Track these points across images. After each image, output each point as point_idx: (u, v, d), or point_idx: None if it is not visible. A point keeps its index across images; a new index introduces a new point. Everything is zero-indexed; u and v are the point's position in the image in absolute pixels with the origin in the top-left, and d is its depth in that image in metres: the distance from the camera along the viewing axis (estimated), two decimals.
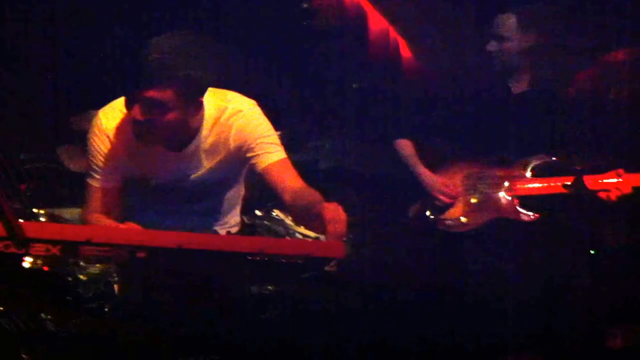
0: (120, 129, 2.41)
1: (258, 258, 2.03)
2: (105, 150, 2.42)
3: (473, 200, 3.09)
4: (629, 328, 2.59)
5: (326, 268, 2.08)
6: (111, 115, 2.43)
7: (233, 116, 2.46)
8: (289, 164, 2.49)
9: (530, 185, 3.03)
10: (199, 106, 2.39)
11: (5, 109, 3.30)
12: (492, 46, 3.14)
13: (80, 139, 3.07)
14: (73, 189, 2.82)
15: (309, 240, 2.15)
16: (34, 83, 3.48)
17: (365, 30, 4.22)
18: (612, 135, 3.07)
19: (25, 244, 1.83)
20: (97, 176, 2.45)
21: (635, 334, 2.57)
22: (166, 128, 2.32)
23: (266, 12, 3.74)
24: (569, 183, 2.83)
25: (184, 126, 2.37)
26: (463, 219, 3.08)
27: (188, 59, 2.31)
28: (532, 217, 3.00)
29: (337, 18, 4.14)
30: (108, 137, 2.42)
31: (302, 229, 2.69)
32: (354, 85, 3.73)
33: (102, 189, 2.45)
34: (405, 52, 4.20)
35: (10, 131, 3.17)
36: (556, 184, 2.92)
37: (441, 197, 3.11)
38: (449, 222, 3.09)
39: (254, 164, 2.48)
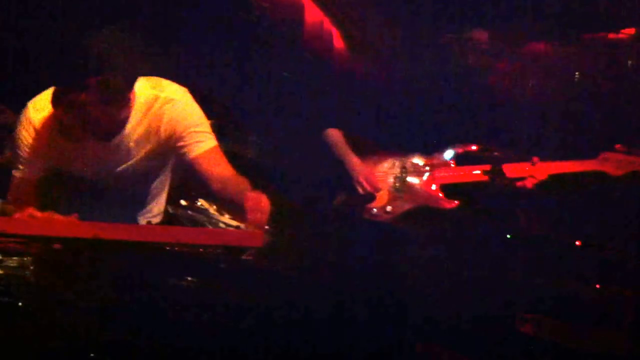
0: (47, 120, 2.40)
1: (176, 248, 2.04)
2: (31, 141, 2.40)
3: (397, 189, 3.15)
4: (539, 318, 2.66)
5: (244, 257, 2.10)
6: (39, 107, 2.41)
7: (165, 105, 2.44)
8: (219, 152, 2.48)
9: (453, 174, 3.10)
10: (127, 99, 2.37)
11: None
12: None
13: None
14: None
15: (228, 229, 2.16)
16: None
17: (300, 20, 4.24)
18: (528, 125, 3.16)
19: None
20: (21, 167, 2.43)
21: (543, 326, 2.65)
22: (92, 124, 2.31)
23: (196, 2, 3.72)
24: (488, 170, 2.92)
25: (111, 119, 2.35)
26: (388, 208, 3.13)
27: (112, 56, 2.30)
28: (454, 204, 3.07)
29: (272, 8, 4.15)
30: (35, 128, 2.40)
31: (225, 219, 2.71)
32: (284, 74, 3.75)
33: (25, 180, 2.43)
34: (339, 43, 4.24)
35: None
36: (477, 172, 3.01)
37: (368, 184, 3.16)
38: (375, 210, 3.15)
39: (183, 154, 2.46)
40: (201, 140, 2.46)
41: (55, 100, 2.29)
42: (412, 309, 2.48)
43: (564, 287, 2.82)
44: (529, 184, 2.92)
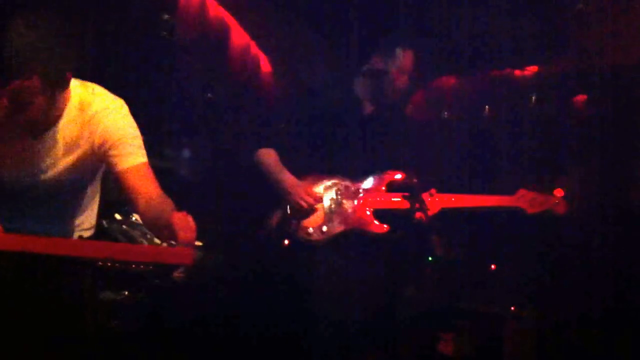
0: None
1: (108, 264, 2.03)
2: None
3: (332, 210, 3.21)
4: (452, 336, 2.77)
5: (175, 274, 2.11)
6: None
7: (99, 112, 2.40)
8: (148, 169, 2.45)
9: (382, 199, 3.20)
10: (62, 93, 2.32)
11: None
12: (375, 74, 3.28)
13: None
14: None
15: (159, 246, 2.16)
16: None
17: (226, 44, 4.28)
18: (445, 156, 3.31)
19: None
20: None
21: (457, 343, 2.75)
22: (24, 114, 2.24)
23: (125, 20, 3.71)
24: (408, 197, 3.04)
25: (43, 114, 2.29)
26: (324, 228, 3.19)
27: (49, 48, 2.21)
28: (384, 229, 3.17)
29: (199, 31, 4.17)
30: None
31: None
32: (209, 95, 3.77)
33: None
34: (266, 67, 4.30)
35: None
36: (397, 200, 3.13)
37: (304, 203, 3.19)
38: (310, 230, 3.19)
39: (112, 164, 2.42)
40: (132, 152, 2.42)
41: None
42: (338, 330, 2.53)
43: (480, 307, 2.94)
44: (430, 213, 3.05)
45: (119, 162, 2.41)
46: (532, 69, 3.85)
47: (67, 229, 2.54)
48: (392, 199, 3.18)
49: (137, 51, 3.75)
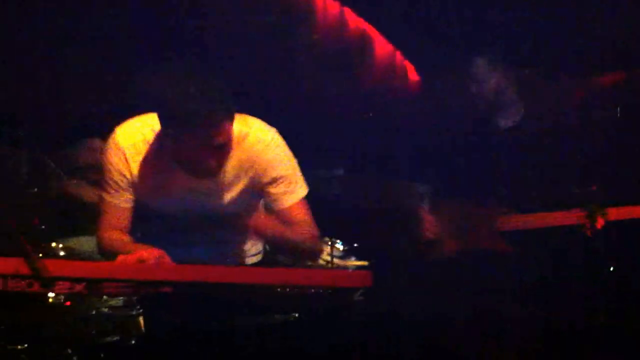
0: (137, 148, 2.35)
1: (287, 290, 1.99)
2: (120, 167, 2.35)
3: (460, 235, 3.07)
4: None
5: (353, 298, 2.04)
6: (129, 134, 2.37)
7: (256, 146, 2.38)
8: (305, 202, 2.44)
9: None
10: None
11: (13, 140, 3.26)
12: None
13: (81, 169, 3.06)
14: (87, 218, 2.77)
15: (337, 270, 2.11)
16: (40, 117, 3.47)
17: (370, 55, 4.23)
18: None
19: (50, 283, 1.78)
20: (111, 191, 2.38)
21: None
22: (203, 161, 2.27)
23: (269, 46, 3.76)
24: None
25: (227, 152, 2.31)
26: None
27: (216, 91, 2.21)
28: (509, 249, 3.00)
29: (339, 42, 4.15)
30: (124, 154, 2.35)
31: (324, 256, 2.66)
32: (370, 115, 3.71)
33: (114, 205, 2.38)
34: (414, 76, 4.21)
35: (20, 164, 3.14)
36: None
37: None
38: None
39: (272, 202, 2.42)
40: (292, 191, 2.41)
41: (166, 135, 2.25)
42: None
43: None
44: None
45: (279, 201, 2.41)
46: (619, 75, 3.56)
47: (235, 256, 2.54)
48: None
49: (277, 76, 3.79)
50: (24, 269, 1.79)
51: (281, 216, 2.41)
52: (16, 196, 2.84)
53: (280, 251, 2.59)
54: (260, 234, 2.51)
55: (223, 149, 2.26)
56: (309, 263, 2.52)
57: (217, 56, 3.71)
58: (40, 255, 1.97)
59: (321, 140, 3.63)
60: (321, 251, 2.66)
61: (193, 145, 2.22)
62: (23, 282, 1.81)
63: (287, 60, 3.91)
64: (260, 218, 2.22)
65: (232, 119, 2.23)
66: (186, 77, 2.17)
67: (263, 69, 3.82)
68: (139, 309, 1.93)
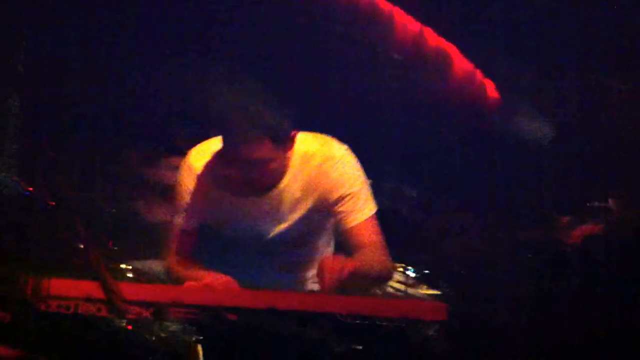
0: (206, 169, 2.36)
1: (357, 320, 1.92)
2: (191, 188, 2.36)
3: None
4: None
5: (428, 332, 1.95)
6: (200, 154, 2.38)
7: (325, 164, 2.32)
8: (375, 220, 2.36)
9: None
10: (288, 153, 2.30)
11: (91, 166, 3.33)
12: None
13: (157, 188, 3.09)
14: (154, 240, 2.78)
15: (411, 300, 2.02)
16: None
17: (448, 71, 4.16)
18: None
19: (125, 309, 1.77)
20: (181, 214, 2.38)
21: None
22: (259, 178, 2.26)
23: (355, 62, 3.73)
24: None
25: (272, 174, 2.29)
26: None
27: (272, 110, 2.23)
28: None
29: (418, 59, 4.10)
30: (196, 175, 2.36)
31: (393, 283, 2.57)
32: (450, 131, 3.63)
33: (183, 230, 2.38)
34: (493, 93, 4.10)
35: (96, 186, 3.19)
36: None
37: None
38: None
39: (341, 220, 2.34)
40: (361, 208, 2.33)
41: (226, 153, 2.25)
42: None
43: None
44: None
45: (348, 219, 2.33)
46: None
47: (299, 282, 2.47)
48: None
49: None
50: (97, 293, 1.79)
51: (348, 237, 2.34)
52: (96, 217, 2.87)
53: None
54: (330, 278, 2.27)
55: (265, 166, 2.22)
56: (377, 291, 2.42)
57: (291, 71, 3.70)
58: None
59: (400, 160, 3.57)
60: (391, 276, 2.54)
61: (238, 162, 2.21)
62: (93, 307, 1.81)
63: (366, 78, 3.87)
64: (328, 260, 2.15)
65: (273, 137, 2.20)
66: (241, 95, 2.19)
67: (342, 87, 3.79)
68: (199, 337, 1.89)
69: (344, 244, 2.39)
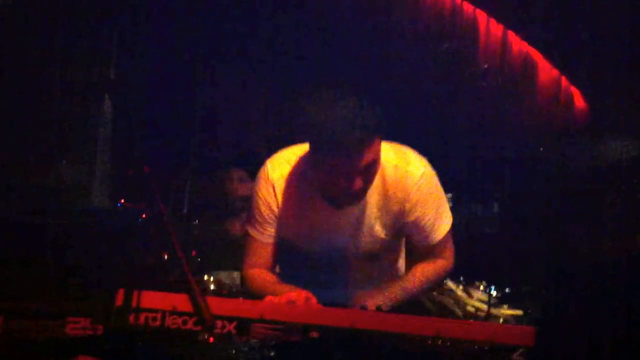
0: (284, 180, 2.32)
1: (438, 342, 1.88)
2: (269, 200, 2.33)
3: None
4: None
5: (513, 357, 1.89)
6: (277, 165, 2.34)
7: (406, 179, 2.27)
8: (449, 234, 2.36)
9: None
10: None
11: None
12: None
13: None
14: (236, 252, 2.79)
15: (496, 324, 1.96)
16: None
17: (533, 78, 4.06)
18: None
19: (214, 322, 1.78)
20: (258, 227, 2.36)
21: None
22: (365, 182, 2.18)
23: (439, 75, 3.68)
24: None
25: (372, 175, 2.22)
26: None
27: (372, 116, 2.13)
28: None
29: (502, 64, 4.03)
30: (273, 187, 2.32)
31: (474, 302, 2.51)
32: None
33: (259, 242, 2.36)
34: (580, 102, 3.97)
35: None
36: None
37: None
38: None
39: (417, 241, 2.35)
40: (437, 228, 2.33)
41: (315, 162, 2.19)
42: None
43: None
44: None
45: (428, 238, 2.34)
46: None
47: (369, 296, 2.35)
48: None
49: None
50: (184, 306, 1.80)
51: (424, 251, 2.36)
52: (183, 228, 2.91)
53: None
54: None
55: (370, 169, 2.16)
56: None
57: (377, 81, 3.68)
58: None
59: (480, 175, 3.50)
60: (446, 276, 2.51)
61: (341, 168, 2.12)
62: (179, 319, 1.83)
63: (451, 88, 3.82)
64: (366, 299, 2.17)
65: (380, 137, 2.14)
66: (336, 100, 2.09)
67: (428, 98, 3.75)
68: (270, 355, 1.89)
69: (414, 250, 2.41)
